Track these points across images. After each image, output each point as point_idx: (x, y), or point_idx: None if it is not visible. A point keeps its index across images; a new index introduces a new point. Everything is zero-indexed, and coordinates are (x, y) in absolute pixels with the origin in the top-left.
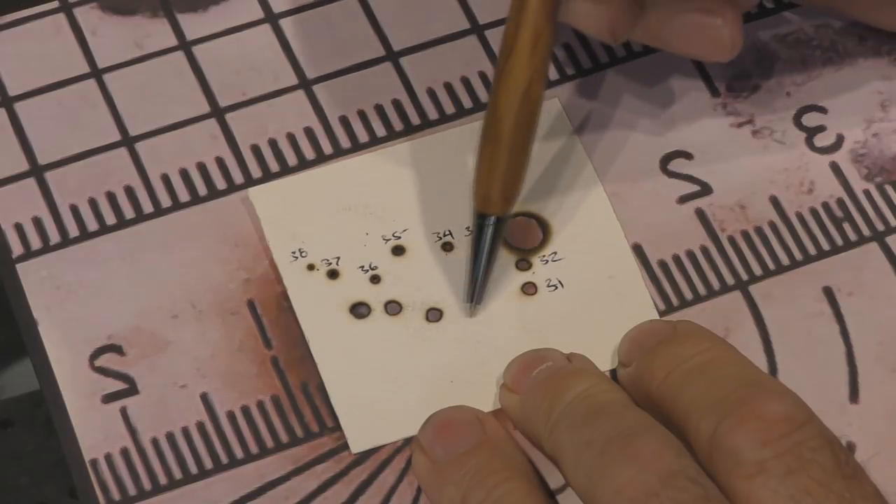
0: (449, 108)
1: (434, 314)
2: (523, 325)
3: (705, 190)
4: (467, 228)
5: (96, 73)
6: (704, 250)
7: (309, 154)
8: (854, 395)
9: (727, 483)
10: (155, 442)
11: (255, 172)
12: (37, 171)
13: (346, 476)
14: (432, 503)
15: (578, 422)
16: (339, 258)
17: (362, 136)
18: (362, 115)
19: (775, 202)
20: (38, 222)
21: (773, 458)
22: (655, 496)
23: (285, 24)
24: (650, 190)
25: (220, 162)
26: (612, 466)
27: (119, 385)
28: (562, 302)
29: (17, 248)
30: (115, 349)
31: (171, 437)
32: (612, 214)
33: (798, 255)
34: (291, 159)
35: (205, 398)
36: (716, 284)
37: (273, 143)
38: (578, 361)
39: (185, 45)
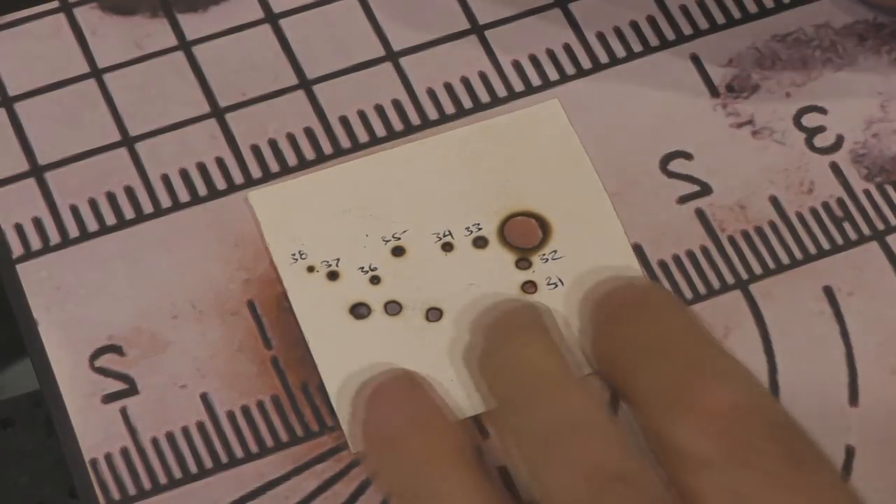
0: (449, 108)
1: (434, 314)
2: None
3: (705, 190)
4: (467, 228)
5: (96, 73)
6: (704, 250)
7: (309, 154)
8: (854, 397)
9: (675, 478)
10: (155, 442)
11: (255, 172)
12: (37, 171)
13: (347, 476)
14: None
15: (519, 405)
16: (338, 260)
17: (362, 136)
18: (362, 115)
19: (775, 202)
20: (38, 222)
21: (717, 450)
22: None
23: (285, 24)
24: (650, 190)
25: (220, 162)
26: (552, 465)
27: (119, 385)
28: (562, 300)
29: (17, 249)
30: (115, 349)
31: (170, 437)
32: (612, 211)
33: (798, 255)
34: (291, 159)
35: (205, 398)
36: (716, 283)
37: (273, 143)
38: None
39: (185, 45)
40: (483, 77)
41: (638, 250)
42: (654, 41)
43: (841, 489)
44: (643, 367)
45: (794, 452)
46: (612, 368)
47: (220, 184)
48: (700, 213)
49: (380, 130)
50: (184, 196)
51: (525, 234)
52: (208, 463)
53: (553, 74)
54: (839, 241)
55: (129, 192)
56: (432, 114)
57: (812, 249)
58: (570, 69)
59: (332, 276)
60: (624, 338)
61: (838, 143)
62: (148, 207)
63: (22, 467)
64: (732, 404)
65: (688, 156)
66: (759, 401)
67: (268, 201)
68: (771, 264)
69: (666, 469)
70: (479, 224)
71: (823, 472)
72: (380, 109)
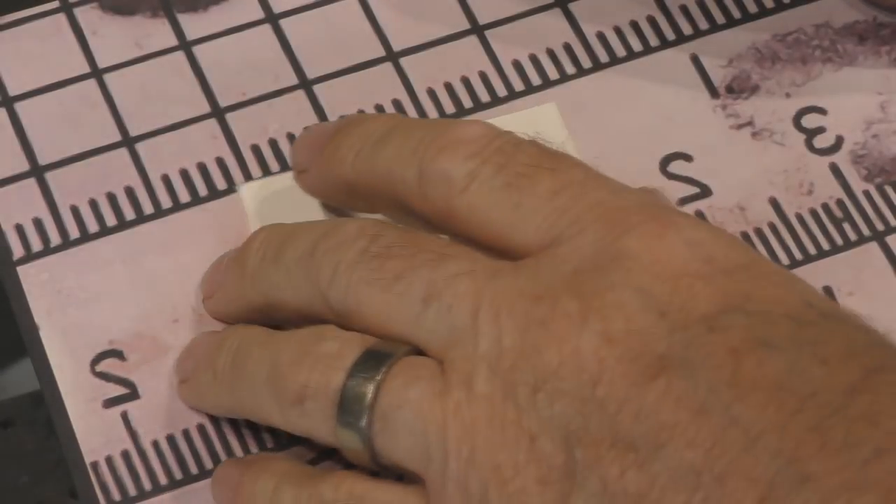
0: (449, 108)
1: None
2: None
3: (705, 192)
4: None
5: (96, 73)
6: None
7: None
8: None
9: (447, 209)
10: (156, 444)
11: (256, 172)
12: (37, 171)
13: None
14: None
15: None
16: None
17: None
18: None
19: (775, 203)
20: (38, 223)
21: (480, 164)
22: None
23: (285, 24)
24: None
25: (220, 162)
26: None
27: (120, 390)
28: None
29: (17, 251)
30: (116, 354)
31: (171, 440)
32: None
33: (798, 256)
34: None
35: None
36: None
37: (273, 143)
38: None
39: (185, 45)
40: (483, 77)
41: None
42: (654, 41)
43: (595, 177)
44: (388, 143)
45: (544, 151)
46: (354, 164)
47: (221, 184)
48: (700, 215)
49: None
50: (184, 196)
51: None
52: (209, 463)
53: (553, 74)
54: (839, 241)
55: (130, 192)
56: (432, 114)
57: (812, 250)
58: (570, 68)
59: None
60: (358, 137)
61: (838, 143)
62: (148, 208)
63: (22, 467)
64: (483, 132)
65: (687, 157)
66: (503, 130)
67: (259, 194)
68: None
69: (436, 207)
70: None
71: (571, 157)
72: (380, 109)
